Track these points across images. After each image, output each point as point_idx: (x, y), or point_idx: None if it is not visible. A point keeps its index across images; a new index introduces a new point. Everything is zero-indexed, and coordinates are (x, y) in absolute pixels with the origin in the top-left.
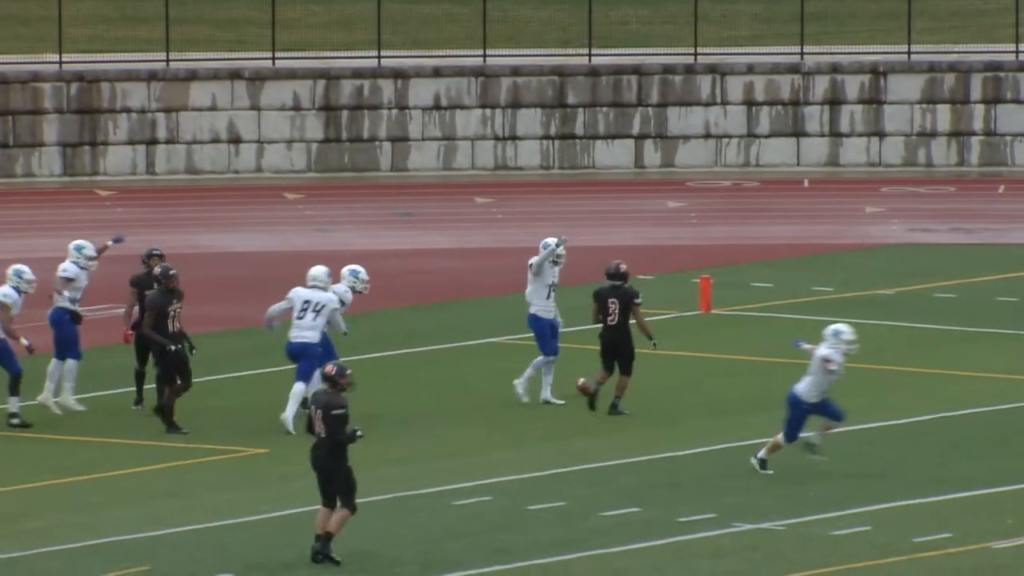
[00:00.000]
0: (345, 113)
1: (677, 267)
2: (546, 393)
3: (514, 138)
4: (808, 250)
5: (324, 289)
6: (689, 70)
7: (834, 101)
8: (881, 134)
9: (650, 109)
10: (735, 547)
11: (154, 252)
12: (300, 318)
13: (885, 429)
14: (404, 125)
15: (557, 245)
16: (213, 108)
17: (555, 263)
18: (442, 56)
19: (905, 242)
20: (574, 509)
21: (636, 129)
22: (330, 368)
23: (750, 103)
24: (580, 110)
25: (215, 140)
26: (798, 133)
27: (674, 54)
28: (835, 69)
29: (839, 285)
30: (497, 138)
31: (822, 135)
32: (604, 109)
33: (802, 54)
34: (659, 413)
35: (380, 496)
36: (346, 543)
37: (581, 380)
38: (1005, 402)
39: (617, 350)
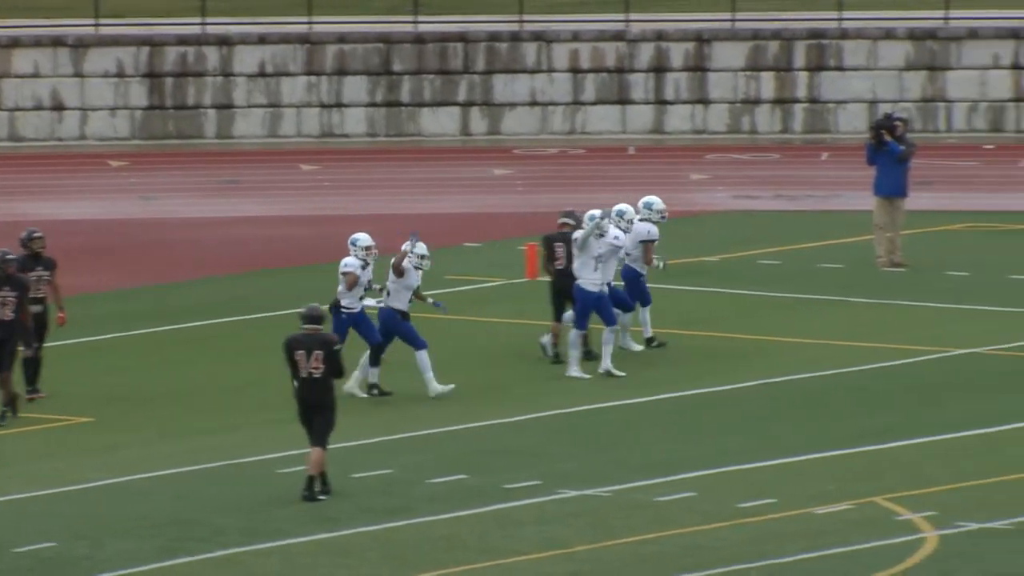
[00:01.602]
0: (169, 80)
1: (503, 235)
2: (607, 363)
3: (340, 106)
4: None
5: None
6: (515, 37)
7: (659, 69)
8: (706, 101)
9: (476, 77)
10: (559, 514)
11: (34, 235)
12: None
13: (710, 395)
14: (229, 92)
15: (602, 218)
16: (36, 75)
17: (600, 235)
18: (267, 23)
19: (730, 209)
20: (400, 477)
21: (462, 96)
22: (309, 308)
23: (575, 70)
24: (406, 77)
25: (38, 107)
26: (623, 100)
27: (500, 21)
28: (660, 37)
29: (663, 253)
30: (323, 105)
31: (647, 103)
32: (430, 77)
33: (627, 21)
34: (485, 380)
35: (204, 465)
36: (170, 511)
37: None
38: (827, 368)
39: (566, 294)
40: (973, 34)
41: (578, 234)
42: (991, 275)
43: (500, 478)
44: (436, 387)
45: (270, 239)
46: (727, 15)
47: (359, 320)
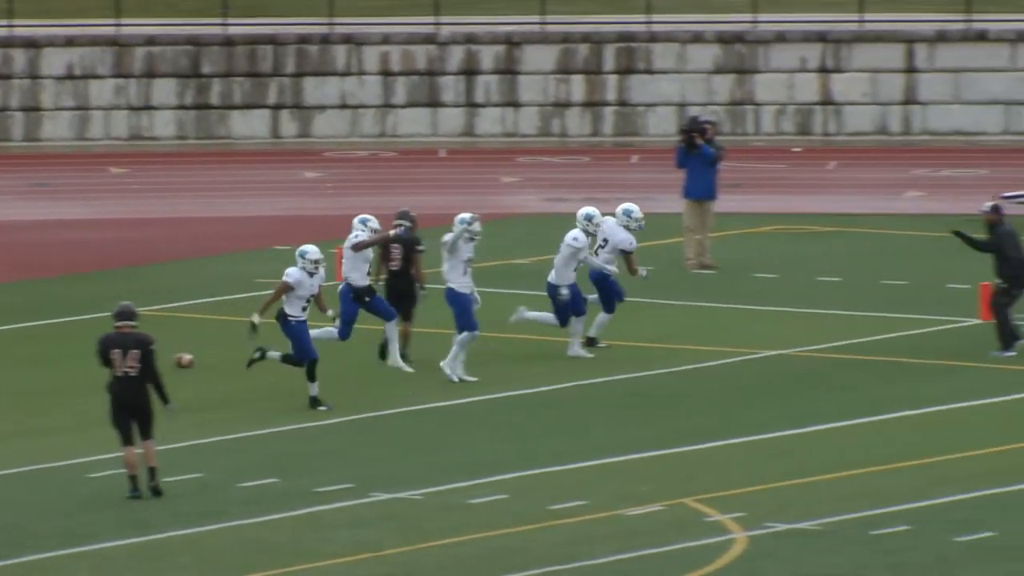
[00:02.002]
0: None
1: (312, 237)
2: (458, 371)
3: (149, 108)
4: (446, 220)
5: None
6: (325, 40)
7: (469, 71)
8: (516, 104)
9: (286, 79)
10: (373, 516)
11: None
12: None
13: (523, 397)
14: (36, 95)
15: (470, 222)
16: None
17: (471, 239)
18: (75, 25)
19: (540, 212)
20: (212, 480)
21: (272, 99)
22: (121, 306)
23: (386, 73)
24: (215, 80)
25: None
26: (434, 103)
27: (310, 24)
28: (470, 40)
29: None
30: (132, 108)
31: (458, 105)
32: (240, 79)
33: (437, 24)
34: (296, 384)
35: (17, 469)
36: None
37: (184, 357)
38: (638, 370)
39: (401, 297)
40: (781, 37)
41: (447, 237)
42: (799, 277)
43: (312, 481)
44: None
45: (81, 242)
46: (536, 18)
47: (298, 330)
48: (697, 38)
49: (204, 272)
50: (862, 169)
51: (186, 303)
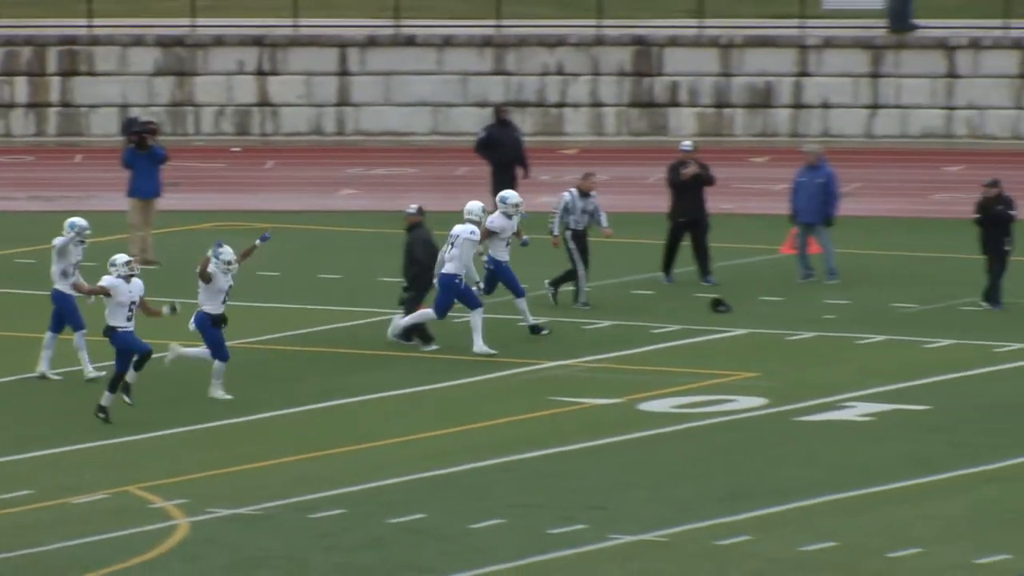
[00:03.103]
0: None
1: None
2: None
3: None
4: None
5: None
6: None
7: None
8: None
9: None
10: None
11: None
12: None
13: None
14: None
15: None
16: None
17: (81, 242)
18: None
19: None
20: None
21: None
22: None
23: None
24: None
25: None
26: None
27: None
28: None
29: None
30: None
31: None
32: None
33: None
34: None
35: None
36: None
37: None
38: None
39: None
40: (219, 41)
41: (57, 241)
42: (241, 271)
43: None
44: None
45: None
46: None
47: (124, 339)
48: (138, 41)
49: None
50: (299, 168)
51: None
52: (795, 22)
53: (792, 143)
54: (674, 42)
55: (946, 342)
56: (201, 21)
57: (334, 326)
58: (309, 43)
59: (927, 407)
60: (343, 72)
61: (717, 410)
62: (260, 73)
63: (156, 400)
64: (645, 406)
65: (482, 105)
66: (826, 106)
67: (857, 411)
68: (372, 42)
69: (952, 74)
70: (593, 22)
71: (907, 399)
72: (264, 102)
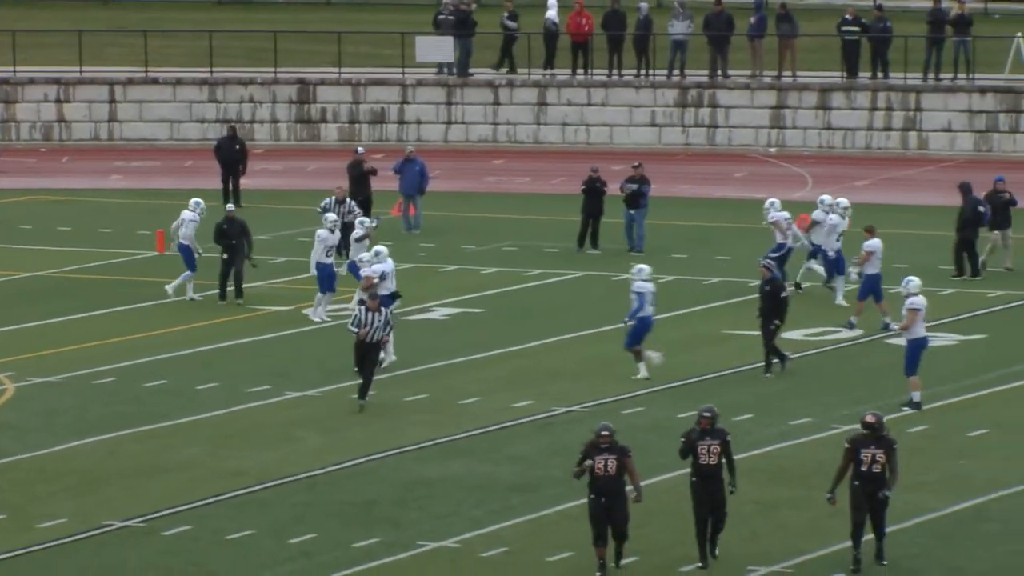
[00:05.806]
0: None
1: None
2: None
3: None
4: None
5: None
6: None
7: None
8: None
9: None
10: None
11: None
12: None
13: None
14: None
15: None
16: None
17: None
18: None
19: None
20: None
21: None
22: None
23: None
24: None
25: None
26: None
27: None
28: None
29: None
30: None
31: None
32: None
33: None
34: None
35: None
36: None
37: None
38: None
39: None
40: (32, 80)
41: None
42: None
43: None
44: None
45: None
46: None
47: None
48: None
49: None
50: (85, 162)
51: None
52: (400, 68)
53: (399, 146)
54: (323, 82)
55: (493, 269)
56: (20, 68)
57: None
58: (90, 82)
59: (483, 310)
60: (111, 100)
61: None
62: (58, 101)
63: None
64: None
65: (201, 121)
66: (419, 122)
67: (439, 313)
68: (131, 81)
69: (496, 102)
70: (271, 69)
71: (470, 305)
72: (61, 119)
